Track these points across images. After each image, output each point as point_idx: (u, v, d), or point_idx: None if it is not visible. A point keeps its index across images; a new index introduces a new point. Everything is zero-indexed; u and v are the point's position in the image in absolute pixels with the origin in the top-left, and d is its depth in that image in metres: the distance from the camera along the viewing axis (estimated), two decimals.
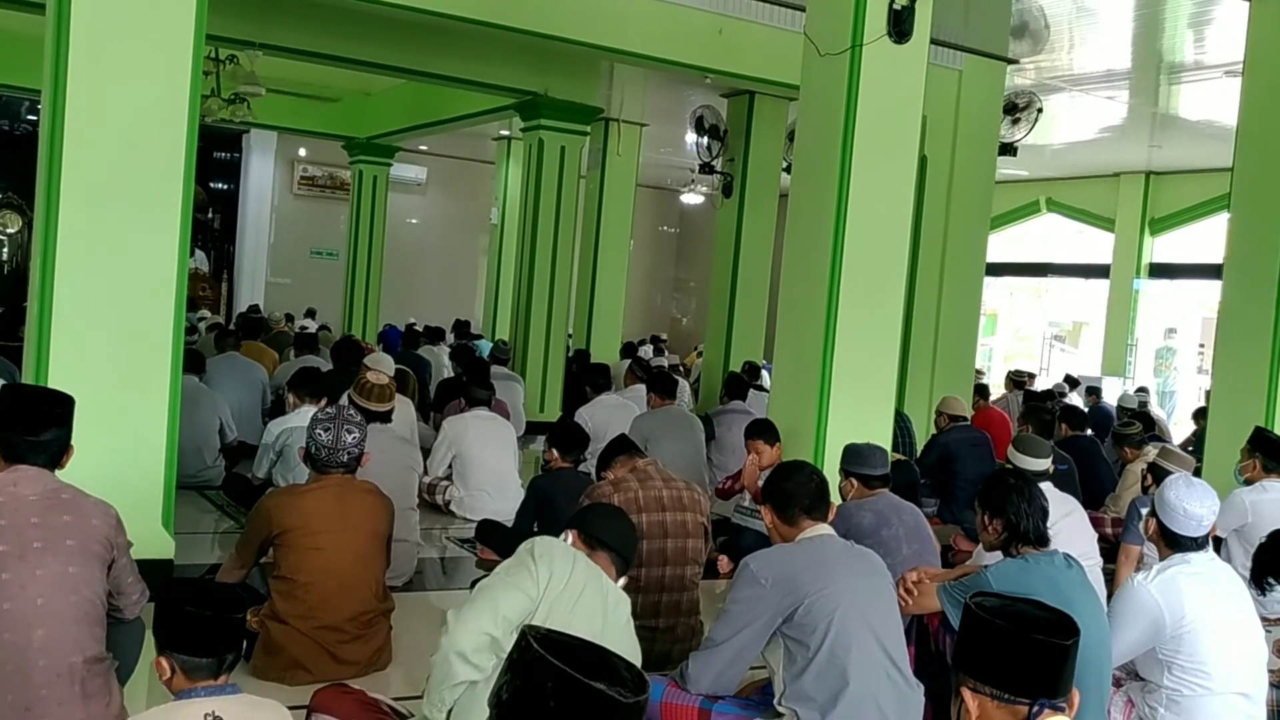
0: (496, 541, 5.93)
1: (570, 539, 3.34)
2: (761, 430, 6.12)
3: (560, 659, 1.70)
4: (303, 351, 9.97)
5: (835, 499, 4.22)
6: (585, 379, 8.85)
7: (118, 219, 5.07)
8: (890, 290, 6.21)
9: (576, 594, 3.10)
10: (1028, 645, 2.00)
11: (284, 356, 10.50)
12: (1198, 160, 14.32)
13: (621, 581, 3.33)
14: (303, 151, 19.18)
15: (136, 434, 5.17)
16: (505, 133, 15.69)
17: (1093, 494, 7.43)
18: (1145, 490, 5.82)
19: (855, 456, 4.88)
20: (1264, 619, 4.09)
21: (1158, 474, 5.52)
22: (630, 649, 3.18)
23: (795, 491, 3.60)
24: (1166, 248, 16.20)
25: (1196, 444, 9.18)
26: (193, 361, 7.75)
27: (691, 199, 19.99)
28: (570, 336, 13.00)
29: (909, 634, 3.67)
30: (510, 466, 6.87)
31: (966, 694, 2.03)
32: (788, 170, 8.90)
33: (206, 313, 16.30)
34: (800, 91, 6.41)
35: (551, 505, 5.41)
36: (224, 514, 7.01)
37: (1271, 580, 4.14)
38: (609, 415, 7.75)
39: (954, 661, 2.14)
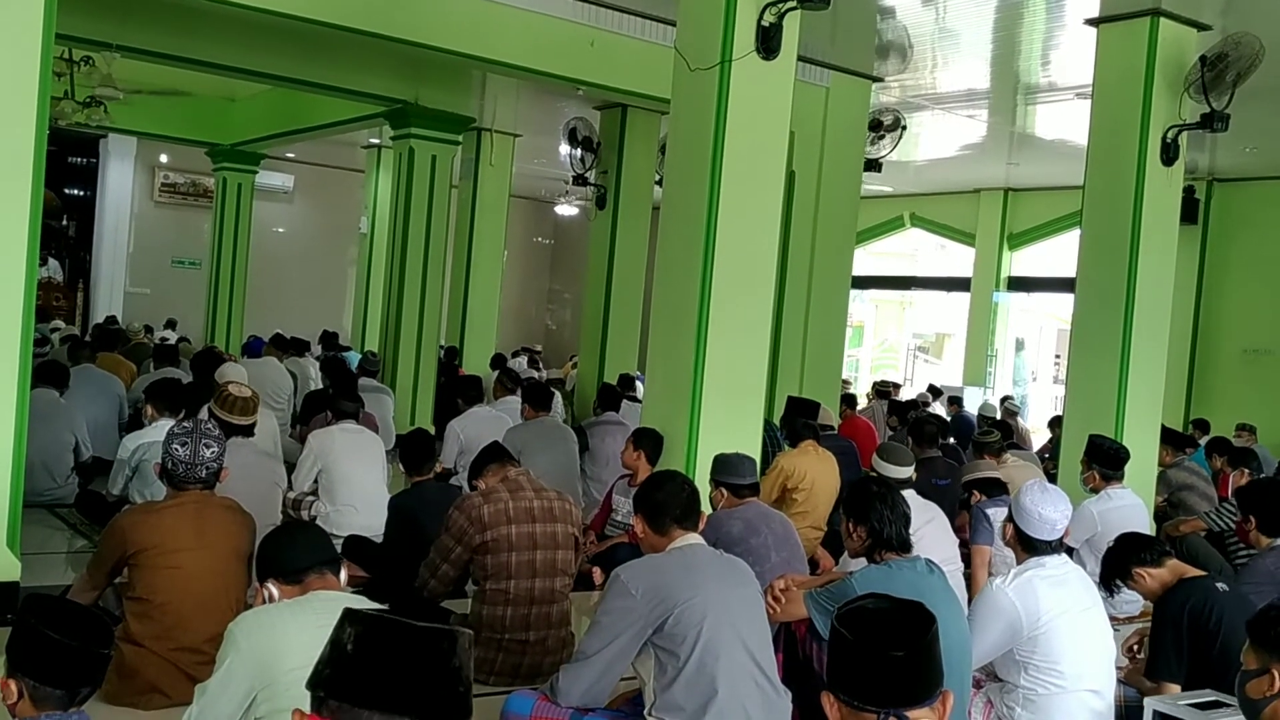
0: (365, 558, 5.81)
1: (276, 592, 3.00)
2: (638, 435, 6.21)
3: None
4: (162, 364, 9.65)
5: (706, 508, 4.26)
6: (457, 391, 8.75)
7: None
8: (759, 302, 6.30)
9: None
10: (865, 656, 2.01)
11: (143, 369, 10.12)
12: (1052, 178, 14.88)
13: (344, 576, 3.18)
14: (164, 157, 18.58)
15: None
16: (375, 141, 15.45)
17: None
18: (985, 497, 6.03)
19: (724, 466, 4.94)
20: (1113, 619, 4.27)
21: (982, 488, 5.82)
22: None
23: (667, 501, 3.61)
24: (1024, 262, 16.81)
25: (1053, 452, 9.53)
26: (55, 375, 7.43)
27: (566, 210, 20.01)
28: (443, 348, 12.85)
29: (777, 641, 3.71)
30: (379, 481, 6.72)
31: (826, 700, 2.06)
32: (660, 183, 8.97)
33: (60, 323, 15.63)
34: (671, 105, 6.46)
35: (414, 521, 5.32)
36: (77, 533, 6.72)
37: (1119, 582, 4.31)
38: (481, 428, 7.66)
39: (825, 667, 2.16)
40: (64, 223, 18.48)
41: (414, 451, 5.80)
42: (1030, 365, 17.96)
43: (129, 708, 3.82)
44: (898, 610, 2.12)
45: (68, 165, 18.30)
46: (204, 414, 5.74)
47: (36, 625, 2.33)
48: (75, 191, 18.92)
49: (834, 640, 2.07)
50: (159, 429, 5.90)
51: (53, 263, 17.68)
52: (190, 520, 4.00)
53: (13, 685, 2.32)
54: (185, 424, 4.21)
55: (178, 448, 4.03)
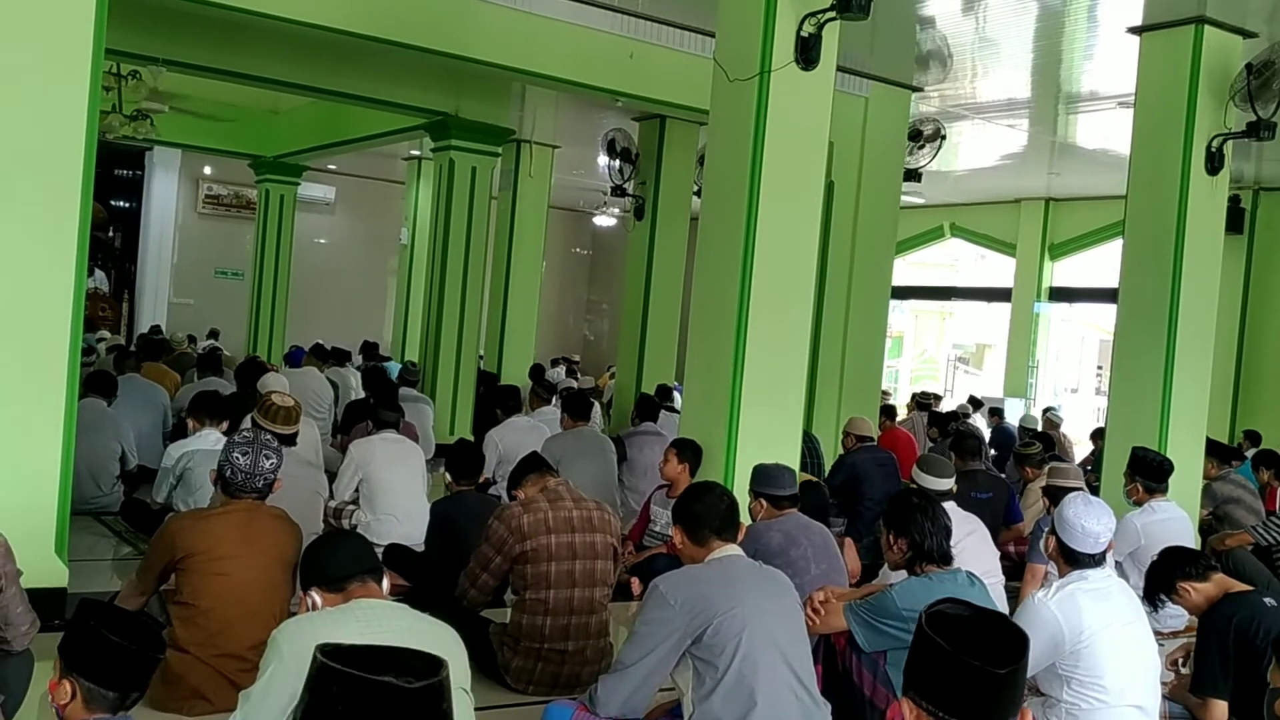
0: (406, 567, 5.84)
1: (319, 600, 3.06)
2: (680, 445, 6.21)
3: (343, 663, 1.68)
4: (206, 373, 9.76)
5: (745, 519, 4.25)
6: (495, 401, 8.79)
7: (10, 236, 4.93)
8: (798, 313, 6.29)
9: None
10: (964, 669, 1.97)
11: (186, 378, 10.26)
12: (1094, 188, 14.76)
13: (386, 585, 3.17)
14: (208, 169, 18.82)
15: (28, 458, 5.01)
16: (415, 153, 15.56)
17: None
18: (1047, 511, 5.96)
19: (764, 477, 4.93)
20: (1157, 633, 4.22)
21: (1054, 495, 5.68)
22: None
23: (706, 513, 3.61)
24: (1066, 272, 16.68)
25: (1095, 464, 9.44)
26: (103, 384, 7.52)
27: (604, 221, 20.09)
28: (481, 358, 12.92)
29: (816, 653, 3.70)
30: (419, 490, 6.77)
31: (906, 704, 2.03)
32: (698, 193, 8.98)
33: (106, 333, 15.86)
34: (710, 116, 6.48)
35: (453, 529, 5.35)
36: (122, 540, 6.80)
37: (1163, 597, 4.26)
38: (520, 437, 7.69)
39: (905, 670, 2.12)
40: (110, 234, 18.74)
41: (463, 461, 5.80)
42: (1069, 377, 17.80)
43: (173, 713, 3.86)
44: (988, 621, 2.08)
45: (114, 177, 18.56)
46: (246, 423, 5.80)
47: (97, 628, 2.37)
48: (121, 203, 19.19)
49: (926, 647, 2.02)
50: (203, 438, 5.99)
51: (99, 273, 17.94)
52: (238, 528, 4.05)
53: (67, 685, 2.37)
54: (246, 434, 4.25)
55: (239, 457, 4.08)
